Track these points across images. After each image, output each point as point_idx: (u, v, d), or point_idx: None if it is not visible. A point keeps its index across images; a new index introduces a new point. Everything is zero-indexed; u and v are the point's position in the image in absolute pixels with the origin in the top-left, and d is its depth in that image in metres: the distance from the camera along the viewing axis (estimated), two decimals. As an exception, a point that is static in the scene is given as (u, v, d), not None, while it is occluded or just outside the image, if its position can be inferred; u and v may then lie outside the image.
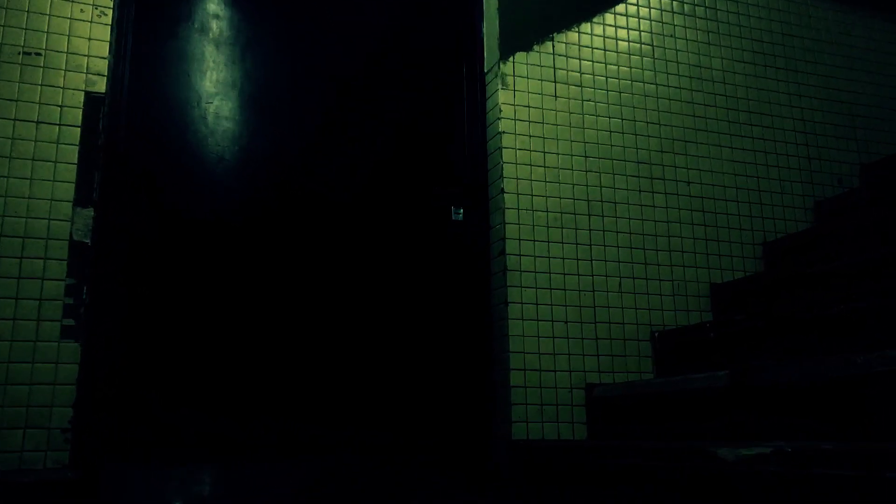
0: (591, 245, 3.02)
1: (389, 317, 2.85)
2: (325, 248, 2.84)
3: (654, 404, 2.51)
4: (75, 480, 2.15)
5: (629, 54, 3.29)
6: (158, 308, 2.58)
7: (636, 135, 3.22)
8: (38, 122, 2.40)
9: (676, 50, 3.38)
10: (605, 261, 3.03)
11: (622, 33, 3.29)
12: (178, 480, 2.53)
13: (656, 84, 3.31)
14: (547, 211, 2.99)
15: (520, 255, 2.90)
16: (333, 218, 2.88)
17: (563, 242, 2.98)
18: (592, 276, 2.99)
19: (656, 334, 3.01)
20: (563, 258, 2.97)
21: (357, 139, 2.98)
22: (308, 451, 2.65)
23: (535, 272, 2.91)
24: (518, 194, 2.96)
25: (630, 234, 3.10)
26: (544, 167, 3.03)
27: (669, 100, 3.32)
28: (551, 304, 2.90)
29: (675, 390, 2.39)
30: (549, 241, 2.96)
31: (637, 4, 3.35)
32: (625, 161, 3.17)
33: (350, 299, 2.82)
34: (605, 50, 3.24)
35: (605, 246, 3.04)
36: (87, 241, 2.37)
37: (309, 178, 2.88)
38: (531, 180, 2.99)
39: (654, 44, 3.34)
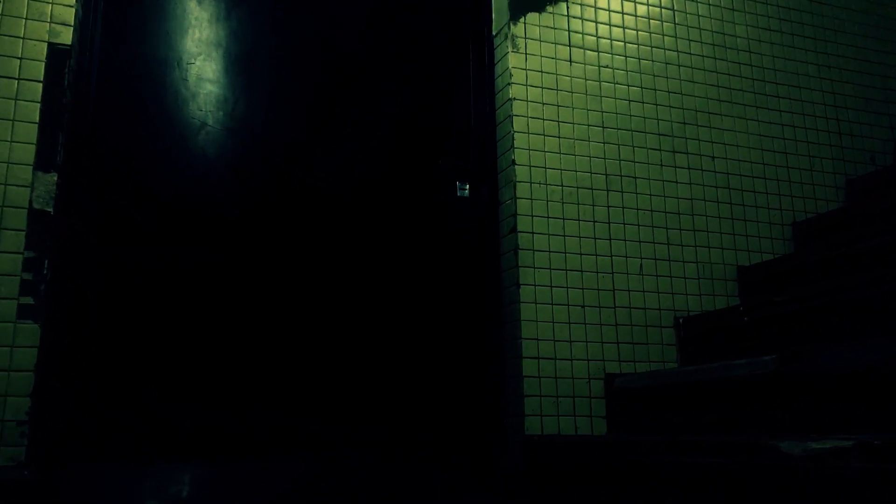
0: (609, 223, 2.77)
1: (388, 303, 2.59)
2: (317, 224, 2.57)
3: (685, 395, 2.26)
4: (32, 480, 1.88)
5: (648, 18, 3.03)
6: (134, 285, 2.30)
7: (656, 105, 2.97)
8: (-6, 76, 2.13)
9: (699, 15, 3.13)
10: (625, 240, 2.77)
11: (641, -5, 3.04)
12: (156, 479, 2.26)
13: (678, 51, 3.05)
14: (562, 185, 2.73)
15: (532, 232, 2.64)
16: (330, 193, 2.62)
17: (579, 220, 2.72)
18: (611, 256, 2.73)
19: (681, 320, 2.75)
20: (580, 237, 2.71)
21: (354, 107, 2.72)
22: (306, 446, 2.38)
23: (550, 252, 2.65)
24: (530, 167, 2.70)
25: (651, 211, 2.84)
26: (558, 137, 2.77)
27: (692, 68, 3.07)
28: (567, 287, 2.64)
29: (709, 379, 2.13)
30: (564, 219, 2.70)
31: (657, -35, 3.10)
32: (644, 133, 2.91)
33: (344, 281, 2.56)
34: (622, 13, 2.99)
35: (624, 224, 2.79)
36: (50, 209, 2.09)
37: (302, 148, 2.62)
38: (544, 151, 2.73)
39: (676, 8, 3.09)
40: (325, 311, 2.51)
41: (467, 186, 2.83)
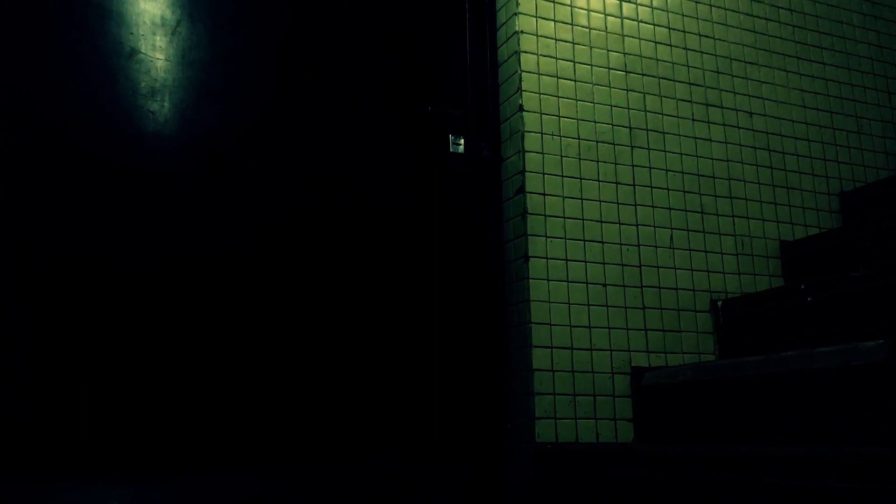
0: (634, 185, 2.29)
1: (364, 282, 2.08)
2: (279, 193, 2.05)
3: (738, 393, 1.79)
4: None
5: (677, -52, 2.56)
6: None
7: (686, 49, 2.50)
8: None
9: (733, -52, 2.67)
10: (653, 206, 2.30)
11: (669, -80, 2.56)
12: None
13: (709, -11, 2.59)
14: (578, 138, 2.24)
15: (544, 194, 2.16)
16: (294, 151, 2.10)
17: (599, 180, 2.24)
18: (637, 225, 2.25)
19: (719, 303, 2.29)
20: (600, 200, 2.22)
21: (325, 48, 2.20)
22: (259, 456, 1.86)
23: (564, 218, 2.16)
24: (541, 114, 2.21)
25: (682, 173, 2.37)
26: (574, 81, 2.28)
27: (725, 9, 2.61)
28: (585, 261, 2.15)
29: (776, 373, 1.66)
30: (581, 178, 2.22)
31: None
32: (674, 81, 2.44)
33: (311, 258, 2.04)
34: (647, -60, 2.51)
35: (651, 187, 2.31)
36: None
37: (254, 84, 2.09)
38: (558, 97, 2.25)
39: (708, -63, 2.62)
40: (283, 295, 1.99)
41: (462, 141, 2.33)
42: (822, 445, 1.46)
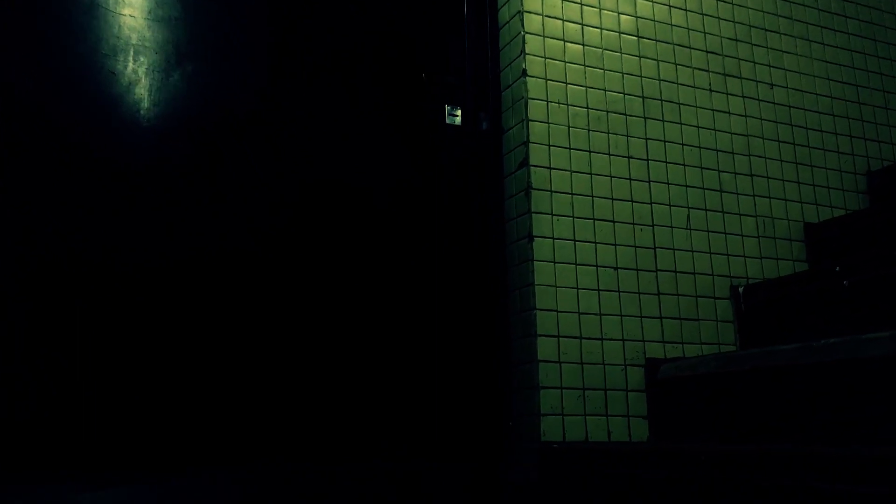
0: (648, 160, 2.09)
1: (351, 265, 1.87)
2: (256, 167, 1.84)
3: (767, 386, 1.59)
4: None
5: None
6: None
7: (703, 14, 2.30)
8: None
9: None
10: (668, 183, 2.10)
11: None
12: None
13: (727, -50, 2.39)
14: (587, 107, 2.04)
15: (550, 167, 1.95)
16: (271, 120, 1.89)
17: (609, 154, 2.04)
18: (651, 203, 2.05)
19: (740, 289, 2.09)
20: (611, 176, 2.02)
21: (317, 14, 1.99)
22: (258, 456, 1.66)
23: (572, 194, 1.96)
24: (546, 80, 2.01)
25: (699, 148, 2.17)
26: (583, 45, 2.08)
27: (744, -27, 2.41)
28: (595, 242, 1.95)
29: (817, 363, 1.47)
30: (590, 151, 2.02)
31: None
32: (689, 48, 2.24)
33: (293, 240, 1.83)
34: None
35: (666, 162, 2.11)
36: None
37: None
38: (565, 62, 2.04)
39: None
40: (265, 283, 1.78)
41: (459, 112, 2.13)
42: (873, 444, 1.27)
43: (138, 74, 1.76)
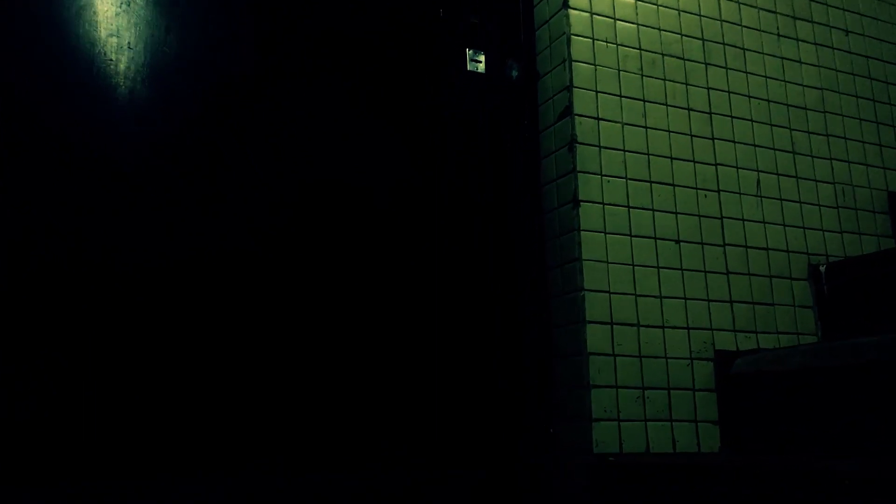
0: (710, 113, 1.74)
1: (351, 236, 1.52)
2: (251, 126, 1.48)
3: (874, 387, 1.24)
4: None
5: None
6: None
7: (768, -53, 1.95)
8: None
9: None
10: (735, 142, 1.75)
11: None
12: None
13: None
14: (640, 48, 1.69)
15: (597, 118, 1.60)
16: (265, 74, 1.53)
17: (666, 104, 1.69)
18: (716, 165, 1.71)
19: (821, 268, 1.75)
20: (669, 131, 1.68)
21: None
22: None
23: (625, 151, 1.61)
24: (592, 14, 1.66)
25: (768, 101, 1.83)
26: (633, -26, 1.73)
27: None
28: (652, 209, 1.61)
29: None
30: (644, 100, 1.67)
31: None
32: (754, -15, 1.90)
33: (285, 219, 1.48)
34: None
35: (731, 117, 1.77)
36: None
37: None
38: (613, -7, 1.70)
39: None
40: (251, 263, 1.43)
41: (482, 57, 1.77)
42: None
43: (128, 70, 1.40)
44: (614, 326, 1.50)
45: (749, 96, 1.80)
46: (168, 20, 1.46)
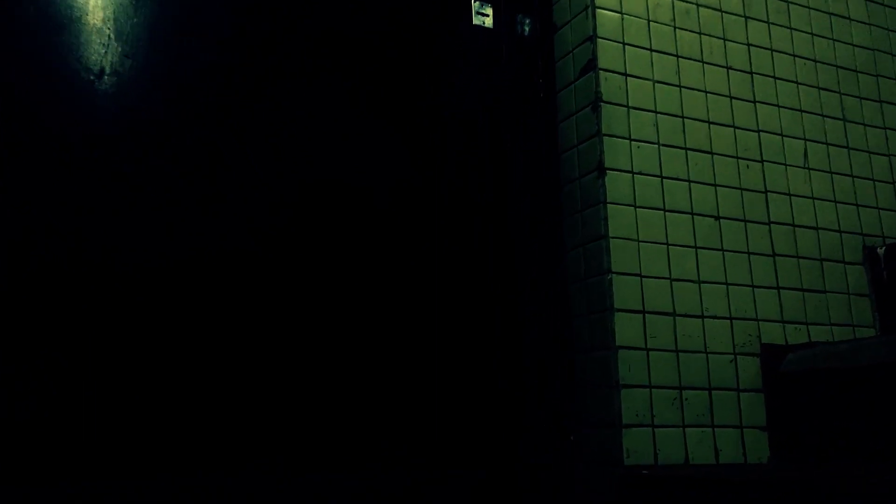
0: (751, 72, 1.52)
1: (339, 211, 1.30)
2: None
3: None
4: None
5: None
6: None
7: None
8: None
9: None
10: (778, 105, 1.53)
11: None
12: None
13: None
14: (672, -5, 1.47)
15: (625, 73, 1.38)
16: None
17: (702, 60, 1.47)
18: (758, 131, 1.49)
19: (879, 250, 1.52)
20: (706, 91, 1.45)
21: None
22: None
23: (656, 112, 1.39)
24: (618, -45, 1.43)
25: (815, 61, 1.61)
26: (664, -88, 1.50)
27: None
28: (689, 180, 1.38)
29: None
30: (677, 55, 1.45)
31: None
32: (797, -69, 1.67)
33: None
34: None
35: (775, 78, 1.55)
36: None
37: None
38: (641, -68, 1.47)
39: None
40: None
41: (489, 9, 1.55)
42: None
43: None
44: (647, 316, 1.28)
45: (794, 55, 1.58)
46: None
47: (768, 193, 1.46)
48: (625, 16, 1.41)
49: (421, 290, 1.35)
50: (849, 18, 1.68)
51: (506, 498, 1.32)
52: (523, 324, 1.42)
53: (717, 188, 1.41)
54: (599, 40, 1.37)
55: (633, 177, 1.33)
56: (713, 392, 1.30)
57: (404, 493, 1.27)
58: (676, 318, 1.30)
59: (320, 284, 1.29)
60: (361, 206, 1.35)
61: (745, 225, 1.42)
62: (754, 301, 1.38)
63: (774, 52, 1.56)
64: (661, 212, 1.34)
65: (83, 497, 1.17)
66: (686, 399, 1.27)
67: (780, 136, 1.51)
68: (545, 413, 1.36)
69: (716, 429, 1.28)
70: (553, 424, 1.35)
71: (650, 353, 1.26)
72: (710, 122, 1.44)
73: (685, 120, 1.41)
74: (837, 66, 1.63)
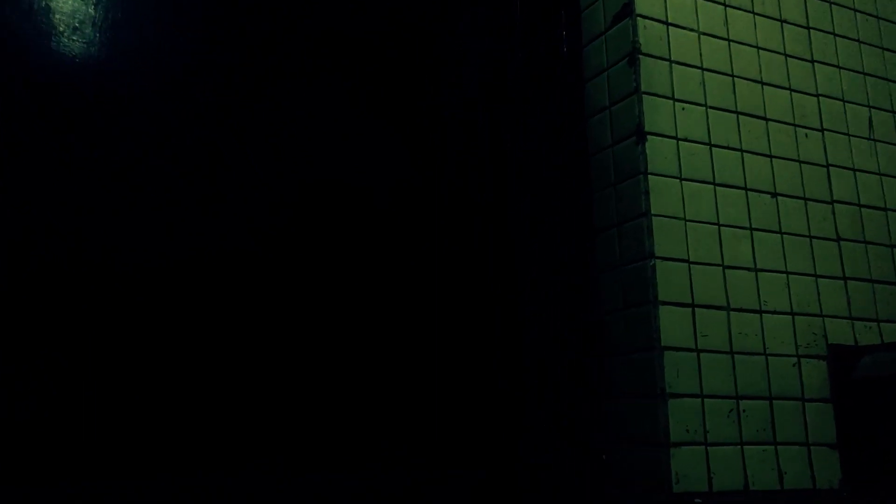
0: (808, 27, 1.30)
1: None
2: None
3: None
4: None
5: None
6: None
7: None
8: None
9: None
10: (839, 67, 1.31)
11: None
12: None
13: None
14: (719, -66, 1.25)
15: (667, 22, 1.16)
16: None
17: (753, 11, 1.25)
18: (817, 95, 1.27)
19: (956, 236, 1.31)
20: (758, 47, 1.24)
21: None
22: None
23: (703, 69, 1.17)
24: None
25: (878, 18, 1.40)
26: None
27: None
28: (741, 150, 1.16)
29: None
30: (725, 4, 1.23)
31: None
32: None
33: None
34: None
35: (834, 34, 1.33)
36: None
37: None
38: None
39: None
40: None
41: (503, -44, 1.32)
42: None
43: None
44: (696, 310, 1.06)
45: (854, 9, 1.36)
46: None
47: (829, 167, 1.24)
48: (665, -45, 1.19)
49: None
50: (912, -28, 1.47)
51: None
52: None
53: (773, 159, 1.19)
54: (636, -19, 1.15)
55: (677, 143, 1.11)
56: (774, 402, 1.08)
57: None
58: (731, 312, 1.08)
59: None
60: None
61: (805, 203, 1.20)
62: (818, 293, 1.16)
63: (833, 6, 1.34)
64: (711, 185, 1.12)
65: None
66: (744, 410, 1.05)
67: (841, 102, 1.29)
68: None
69: (778, 446, 1.06)
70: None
71: (701, 354, 1.04)
72: (763, 83, 1.22)
73: (735, 79, 1.19)
74: (901, 25, 1.42)
